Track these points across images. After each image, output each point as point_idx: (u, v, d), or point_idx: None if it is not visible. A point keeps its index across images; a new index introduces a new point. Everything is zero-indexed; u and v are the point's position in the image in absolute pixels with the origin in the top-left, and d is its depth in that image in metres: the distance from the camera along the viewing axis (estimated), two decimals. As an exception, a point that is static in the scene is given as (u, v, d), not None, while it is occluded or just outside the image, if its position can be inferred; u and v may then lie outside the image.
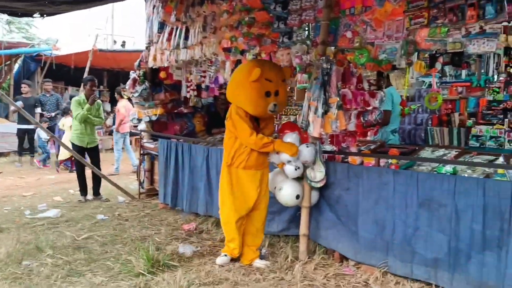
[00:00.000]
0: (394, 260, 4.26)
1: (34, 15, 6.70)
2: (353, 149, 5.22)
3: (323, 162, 4.70)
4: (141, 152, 7.60)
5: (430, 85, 6.57)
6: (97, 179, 7.58)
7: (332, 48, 4.96)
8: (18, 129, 11.38)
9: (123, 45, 18.10)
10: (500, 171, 4.06)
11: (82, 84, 8.93)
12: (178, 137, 7.00)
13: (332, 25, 4.91)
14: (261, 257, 4.73)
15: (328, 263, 4.66)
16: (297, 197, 4.67)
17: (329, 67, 4.67)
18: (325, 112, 4.64)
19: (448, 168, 4.32)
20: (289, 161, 4.59)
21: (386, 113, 5.75)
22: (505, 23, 3.81)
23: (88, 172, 7.52)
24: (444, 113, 5.99)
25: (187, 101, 7.92)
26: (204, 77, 6.96)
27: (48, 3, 5.90)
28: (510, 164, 4.34)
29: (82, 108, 7.25)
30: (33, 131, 11.29)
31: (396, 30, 4.40)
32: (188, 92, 7.38)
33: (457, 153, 4.93)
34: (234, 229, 4.64)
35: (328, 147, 5.22)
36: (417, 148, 5.25)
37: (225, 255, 4.68)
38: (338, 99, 4.67)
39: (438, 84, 6.36)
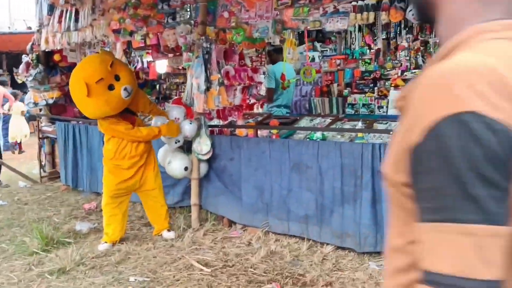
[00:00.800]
0: (273, 220, 4.74)
1: None
2: (240, 122, 5.61)
3: (209, 136, 5.06)
4: (40, 135, 7.55)
5: (313, 59, 7.10)
6: (-2, 165, 7.45)
7: (212, 28, 5.27)
8: None
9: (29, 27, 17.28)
10: (359, 134, 4.62)
11: None
12: (77, 119, 7.05)
13: (211, 6, 5.21)
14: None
15: (218, 228, 5.06)
16: (185, 169, 5.00)
17: (209, 46, 4.99)
18: (208, 89, 4.97)
19: (319, 134, 4.82)
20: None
21: (268, 90, 6.12)
22: (354, 3, 4.30)
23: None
24: (324, 85, 6.53)
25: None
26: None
27: None
28: (370, 128, 4.91)
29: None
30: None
31: (266, 10, 4.78)
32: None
33: (330, 120, 5.46)
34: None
35: (215, 122, 5.57)
36: (298, 118, 5.74)
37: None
38: (219, 76, 5.02)
39: (320, 58, 6.93)
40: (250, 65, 6.05)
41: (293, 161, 4.53)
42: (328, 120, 5.51)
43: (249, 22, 4.94)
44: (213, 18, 5.21)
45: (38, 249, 4.48)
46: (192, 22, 5.47)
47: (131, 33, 6.07)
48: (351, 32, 5.72)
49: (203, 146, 5.02)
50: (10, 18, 19.29)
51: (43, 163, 7.68)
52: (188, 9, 5.43)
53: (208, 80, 4.97)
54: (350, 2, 4.31)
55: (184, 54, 5.47)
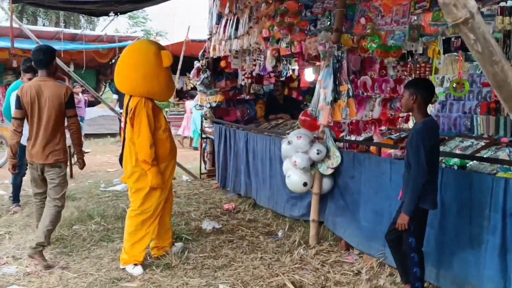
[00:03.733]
0: (390, 251, 4.23)
1: (109, 14, 7.52)
2: (376, 138, 5.17)
3: (338, 149, 4.78)
4: (203, 135, 8.16)
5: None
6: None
7: (350, 35, 4.96)
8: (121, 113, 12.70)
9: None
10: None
11: None
12: (231, 123, 7.39)
13: (350, 12, 4.91)
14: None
15: (334, 250, 4.75)
16: (304, 184, 4.81)
17: (340, 54, 4.72)
18: (335, 100, 4.70)
19: (456, 160, 4.15)
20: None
21: None
22: (503, 3, 3.57)
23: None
24: (493, 100, 5.56)
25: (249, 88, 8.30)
26: (255, 65, 7.25)
27: (114, 3, 6.63)
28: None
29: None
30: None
31: (402, 15, 4.30)
32: (243, 80, 7.72)
33: (484, 144, 4.66)
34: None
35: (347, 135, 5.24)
36: (446, 138, 5.04)
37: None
38: (348, 86, 4.70)
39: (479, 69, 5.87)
40: (393, 75, 5.52)
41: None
42: (482, 143, 4.71)
43: (384, 28, 4.51)
44: (351, 25, 4.90)
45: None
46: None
47: (278, 41, 6.11)
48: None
49: (333, 159, 4.76)
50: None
51: (204, 161, 8.27)
52: (329, 16, 5.21)
53: (336, 91, 4.70)
54: (498, 3, 3.59)
55: (322, 62, 5.27)
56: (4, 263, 4.29)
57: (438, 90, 6.40)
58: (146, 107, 4.17)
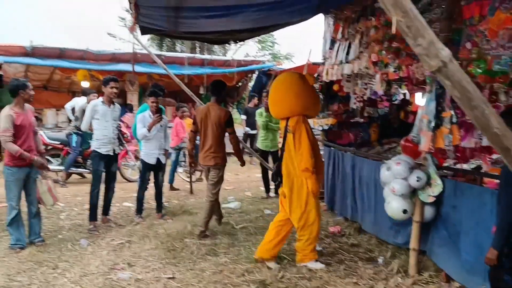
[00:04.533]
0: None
1: (229, 42, 8.11)
2: (485, 166, 4.88)
3: (439, 176, 4.63)
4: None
5: None
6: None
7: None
8: (244, 133, 13.36)
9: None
10: None
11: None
12: (339, 146, 7.45)
13: (456, 37, 4.76)
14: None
15: (434, 281, 4.57)
16: (404, 211, 4.72)
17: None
18: (437, 126, 4.58)
19: None
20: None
21: None
22: None
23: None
24: None
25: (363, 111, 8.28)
26: (366, 89, 7.24)
27: (232, 32, 7.18)
28: None
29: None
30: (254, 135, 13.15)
31: (509, 40, 4.08)
32: (355, 103, 7.74)
33: None
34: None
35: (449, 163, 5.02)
36: None
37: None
38: (452, 112, 4.55)
39: None
40: (505, 101, 5.13)
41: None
42: None
43: (490, 53, 4.30)
44: (456, 50, 4.74)
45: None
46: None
47: (386, 65, 6.07)
48: None
49: (434, 187, 4.63)
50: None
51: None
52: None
53: (438, 117, 4.57)
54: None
55: (427, 88, 5.15)
56: (121, 269, 4.86)
57: None
58: (304, 122, 4.92)
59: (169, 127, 8.77)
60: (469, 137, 5.02)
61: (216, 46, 25.47)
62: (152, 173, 6.88)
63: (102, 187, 6.47)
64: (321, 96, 8.07)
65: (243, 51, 24.09)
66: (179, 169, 9.83)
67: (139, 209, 6.85)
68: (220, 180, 6.11)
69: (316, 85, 8.19)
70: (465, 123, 5.02)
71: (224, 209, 7.62)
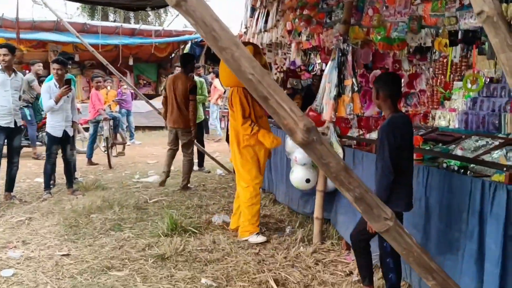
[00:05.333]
0: (384, 253, 4.03)
1: (146, 9, 7.75)
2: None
3: (340, 145, 4.62)
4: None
5: None
6: (201, 152, 8.44)
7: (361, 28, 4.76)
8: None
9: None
10: None
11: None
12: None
13: (360, 3, 4.71)
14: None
15: (335, 249, 4.61)
16: (307, 181, 4.70)
17: (346, 47, 4.54)
18: (339, 95, 4.55)
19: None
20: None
21: None
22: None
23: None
24: (524, 97, 5.09)
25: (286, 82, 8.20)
26: (285, 59, 7.16)
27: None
28: None
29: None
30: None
31: (404, 5, 4.06)
32: (275, 74, 7.64)
33: (498, 143, 4.30)
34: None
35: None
36: (463, 136, 4.70)
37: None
38: (353, 80, 4.52)
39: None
40: (408, 70, 5.20)
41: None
42: (496, 143, 4.35)
43: (389, 19, 4.28)
44: (361, 17, 4.70)
45: (162, 232, 4.91)
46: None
47: (299, 34, 5.99)
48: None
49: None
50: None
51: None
52: (342, 8, 5.03)
53: (340, 86, 4.54)
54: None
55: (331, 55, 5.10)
56: (13, 247, 4.59)
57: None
58: (239, 94, 4.78)
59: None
60: (373, 106, 5.02)
61: (152, 16, 24.70)
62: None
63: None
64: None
65: (181, 22, 23.43)
66: (102, 144, 9.47)
67: (47, 185, 6.52)
68: (191, 141, 7.12)
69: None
70: (369, 92, 5.02)
71: (142, 184, 7.42)
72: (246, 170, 4.92)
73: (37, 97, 8.43)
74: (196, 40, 15.38)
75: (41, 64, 9.09)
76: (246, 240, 4.79)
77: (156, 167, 8.85)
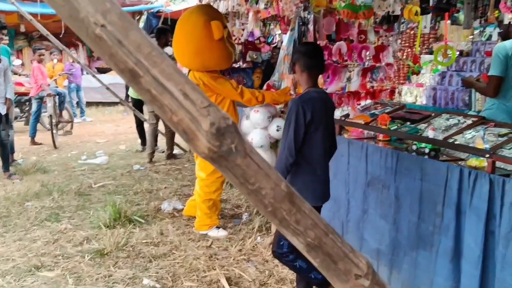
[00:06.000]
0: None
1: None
2: (352, 113, 4.51)
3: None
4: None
5: (490, 36, 5.18)
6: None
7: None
8: (128, 82, 12.32)
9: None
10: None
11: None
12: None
13: (322, -34, 4.22)
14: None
15: (295, 238, 4.20)
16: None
17: (307, 16, 4.07)
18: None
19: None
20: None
21: (492, 79, 3.79)
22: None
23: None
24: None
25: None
26: (243, 30, 6.62)
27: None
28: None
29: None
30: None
31: (371, -31, 3.59)
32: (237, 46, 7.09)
33: (471, 122, 3.96)
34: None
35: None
36: (432, 114, 4.34)
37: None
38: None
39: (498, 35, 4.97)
40: (375, 42, 4.78)
41: (371, 174, 3.36)
42: (468, 121, 4.00)
43: (353, -16, 3.82)
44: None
45: (103, 223, 4.40)
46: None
47: (257, 1, 5.46)
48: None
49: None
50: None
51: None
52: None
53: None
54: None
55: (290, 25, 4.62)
56: None
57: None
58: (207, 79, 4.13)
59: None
60: (337, 81, 4.58)
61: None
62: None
63: None
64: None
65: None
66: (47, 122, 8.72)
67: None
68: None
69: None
70: (332, 65, 4.57)
71: (88, 166, 6.81)
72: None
73: None
74: (151, 10, 14.52)
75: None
76: (205, 234, 4.32)
77: (105, 146, 8.22)
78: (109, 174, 6.33)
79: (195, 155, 4.57)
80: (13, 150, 6.62)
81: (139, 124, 7.81)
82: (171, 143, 7.17)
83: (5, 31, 6.35)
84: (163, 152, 7.72)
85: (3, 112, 5.84)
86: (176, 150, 7.61)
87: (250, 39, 7.01)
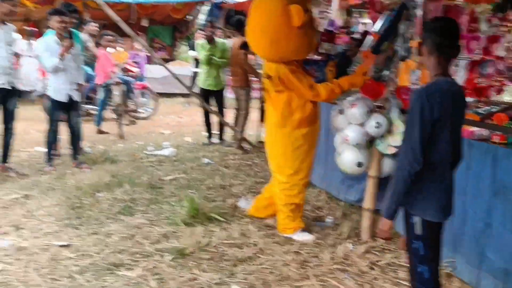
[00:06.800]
0: (461, 260, 3.23)
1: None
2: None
3: (404, 122, 3.74)
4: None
5: None
6: (222, 124, 7.59)
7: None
8: (193, 72, 12.12)
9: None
10: None
11: None
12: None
13: None
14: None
15: (391, 248, 3.78)
16: (359, 165, 3.84)
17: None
18: (403, 59, 3.65)
19: None
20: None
21: None
22: None
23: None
24: None
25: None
26: (322, 19, 6.20)
27: None
28: None
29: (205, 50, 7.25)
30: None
31: None
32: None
33: None
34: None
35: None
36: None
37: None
38: (423, 42, 3.61)
39: None
40: (487, 32, 4.25)
41: (499, 182, 2.90)
42: None
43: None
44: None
45: (181, 220, 4.12)
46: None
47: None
48: None
49: (396, 135, 3.74)
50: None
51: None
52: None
53: (406, 47, 3.63)
54: None
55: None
56: (3, 233, 3.81)
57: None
58: (285, 71, 3.76)
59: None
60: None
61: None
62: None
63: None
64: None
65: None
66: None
67: (49, 156, 5.72)
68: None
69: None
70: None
71: (156, 157, 6.61)
72: (287, 160, 3.96)
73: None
74: (216, 1, 14.32)
75: (96, 24, 8.19)
76: (290, 237, 3.96)
77: (171, 138, 8.02)
78: (179, 167, 6.08)
79: (266, 151, 4.19)
80: (82, 138, 6.49)
81: (207, 116, 7.56)
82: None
83: (76, 15, 6.16)
84: (230, 146, 7.44)
85: (78, 99, 5.69)
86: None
87: (329, 28, 6.58)
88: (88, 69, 8.10)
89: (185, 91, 10.17)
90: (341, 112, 3.92)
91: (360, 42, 7.00)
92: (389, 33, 3.65)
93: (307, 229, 4.05)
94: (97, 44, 8.00)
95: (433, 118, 2.15)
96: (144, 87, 9.95)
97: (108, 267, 3.32)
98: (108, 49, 8.09)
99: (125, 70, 9.18)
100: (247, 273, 3.30)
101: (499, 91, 4.34)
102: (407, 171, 2.18)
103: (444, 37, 2.22)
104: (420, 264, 2.24)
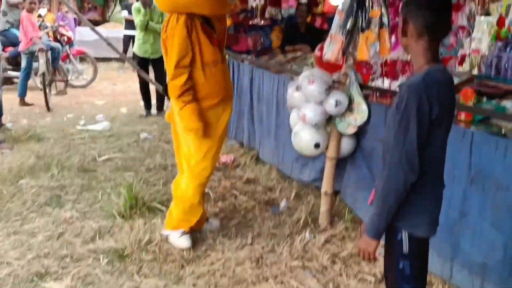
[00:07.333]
0: (430, 253, 2.96)
1: None
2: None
3: (366, 100, 3.39)
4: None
5: None
6: (161, 94, 6.99)
7: None
8: (124, 35, 11.28)
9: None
10: None
11: None
12: (237, 54, 5.95)
13: None
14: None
15: (351, 235, 3.48)
16: (316, 146, 3.48)
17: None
18: (362, 30, 3.25)
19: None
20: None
21: None
22: None
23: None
24: None
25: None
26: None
27: None
28: None
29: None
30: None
31: None
32: (255, 0, 6.18)
33: None
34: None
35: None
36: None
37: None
38: (383, 11, 3.23)
39: None
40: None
41: (474, 168, 2.63)
42: None
43: None
44: None
45: (118, 212, 3.63)
46: None
47: None
48: None
49: (357, 113, 3.37)
50: None
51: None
52: None
53: (363, 17, 3.23)
54: None
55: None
56: None
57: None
58: (179, 25, 2.94)
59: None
60: (400, 48, 3.77)
61: None
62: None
63: None
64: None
65: None
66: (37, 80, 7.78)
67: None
68: None
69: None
70: (396, 26, 3.74)
71: (88, 133, 5.97)
72: (194, 147, 3.18)
73: None
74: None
75: None
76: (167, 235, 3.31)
77: (105, 109, 7.34)
78: (114, 144, 5.51)
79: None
80: (2, 112, 5.72)
81: (144, 85, 6.94)
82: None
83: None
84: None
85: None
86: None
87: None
88: (17, 32, 7.42)
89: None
90: (298, 88, 3.50)
91: (308, 7, 6.59)
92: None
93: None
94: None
95: (432, 117, 1.71)
96: (81, 53, 9.13)
97: (31, 278, 2.81)
98: (41, 10, 7.31)
99: (59, 35, 8.31)
100: (196, 277, 2.90)
101: (461, 61, 4.08)
102: (402, 183, 1.73)
103: (439, 14, 1.75)
104: (407, 285, 1.90)
